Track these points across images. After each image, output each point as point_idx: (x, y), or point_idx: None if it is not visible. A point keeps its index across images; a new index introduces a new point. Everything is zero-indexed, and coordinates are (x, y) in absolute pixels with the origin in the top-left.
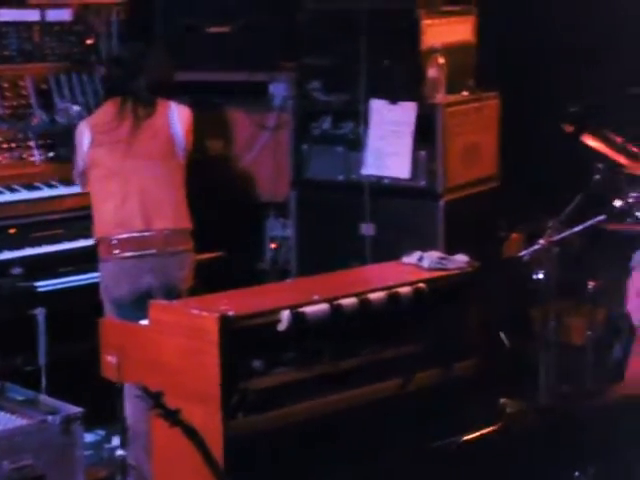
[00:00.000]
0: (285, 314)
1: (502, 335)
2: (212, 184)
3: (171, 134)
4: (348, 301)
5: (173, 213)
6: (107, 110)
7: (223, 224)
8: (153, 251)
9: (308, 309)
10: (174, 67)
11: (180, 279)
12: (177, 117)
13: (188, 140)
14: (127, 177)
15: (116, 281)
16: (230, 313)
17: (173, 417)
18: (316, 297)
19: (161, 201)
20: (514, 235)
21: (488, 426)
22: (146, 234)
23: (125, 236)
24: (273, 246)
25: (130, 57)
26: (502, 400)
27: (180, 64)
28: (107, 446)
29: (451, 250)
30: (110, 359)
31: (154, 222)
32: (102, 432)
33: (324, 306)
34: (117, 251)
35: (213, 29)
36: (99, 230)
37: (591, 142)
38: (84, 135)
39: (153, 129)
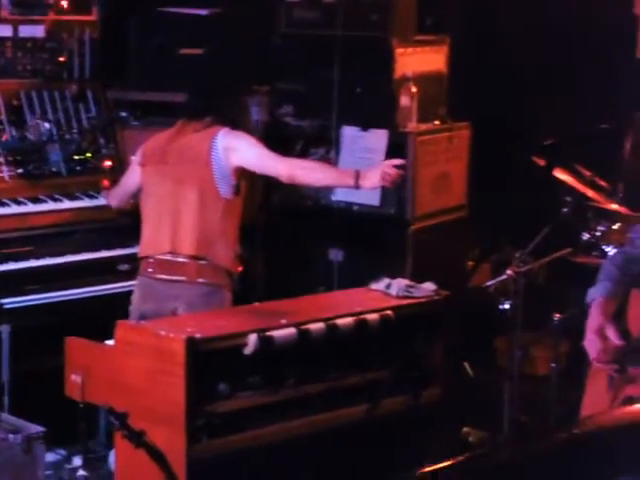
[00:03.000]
0: (252, 338)
1: (466, 365)
2: None
3: (210, 161)
4: (315, 326)
5: (197, 242)
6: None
7: None
8: (183, 278)
9: (275, 333)
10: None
11: None
12: (221, 142)
13: (235, 172)
14: (163, 199)
15: (143, 299)
16: (197, 335)
17: (138, 438)
18: (284, 321)
19: (187, 228)
20: (482, 265)
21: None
22: (180, 260)
23: (159, 257)
24: (240, 269)
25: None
26: (465, 429)
27: (152, 85)
28: (68, 466)
29: (418, 278)
30: (75, 378)
31: (180, 247)
32: (63, 452)
33: (291, 330)
34: (150, 270)
35: (186, 51)
36: (140, 249)
37: (560, 175)
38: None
39: (193, 153)
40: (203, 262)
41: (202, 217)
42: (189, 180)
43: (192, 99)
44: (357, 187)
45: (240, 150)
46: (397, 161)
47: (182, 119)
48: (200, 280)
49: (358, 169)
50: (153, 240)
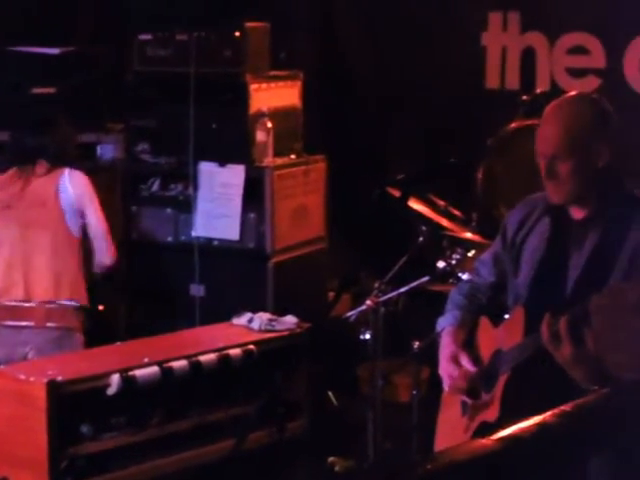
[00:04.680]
0: (115, 378)
1: (330, 394)
2: None
3: (59, 203)
4: (178, 363)
5: (55, 285)
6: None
7: None
8: (31, 324)
9: (138, 372)
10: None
11: None
12: (69, 184)
13: (83, 208)
14: (12, 244)
15: None
16: (58, 378)
17: None
18: (146, 360)
19: (42, 272)
20: (342, 296)
21: None
22: (26, 305)
23: (6, 304)
24: (101, 308)
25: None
26: (330, 459)
27: (4, 124)
28: None
29: (280, 311)
30: None
31: (34, 292)
32: None
33: (154, 369)
34: None
35: (38, 89)
36: None
37: (416, 206)
38: None
39: (41, 197)
40: (52, 306)
41: (57, 259)
42: (39, 224)
43: (19, 139)
44: None
45: (86, 210)
46: None
47: (16, 164)
48: (49, 324)
49: None
50: (5, 287)
